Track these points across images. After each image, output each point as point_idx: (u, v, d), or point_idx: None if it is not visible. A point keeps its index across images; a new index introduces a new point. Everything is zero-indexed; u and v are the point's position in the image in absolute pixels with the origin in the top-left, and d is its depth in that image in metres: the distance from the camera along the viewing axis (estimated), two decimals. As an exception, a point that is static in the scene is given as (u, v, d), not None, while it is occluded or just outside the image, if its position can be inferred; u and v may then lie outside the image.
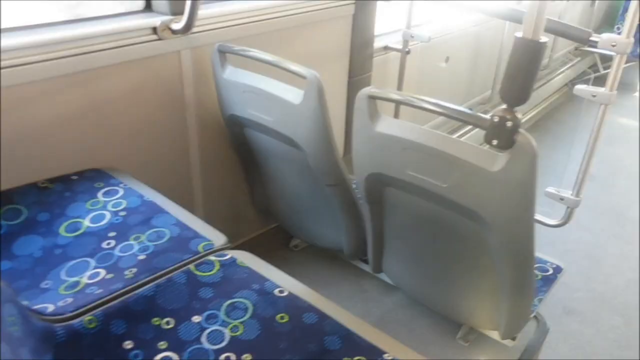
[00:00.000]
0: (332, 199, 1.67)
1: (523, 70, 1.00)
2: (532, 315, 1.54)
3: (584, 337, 2.24)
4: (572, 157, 3.43)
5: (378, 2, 2.26)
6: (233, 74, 1.63)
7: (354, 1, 2.13)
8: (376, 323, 1.75)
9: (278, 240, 2.18)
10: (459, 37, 3.03)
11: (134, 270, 1.14)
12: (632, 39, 1.58)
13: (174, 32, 1.56)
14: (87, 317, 0.97)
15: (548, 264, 1.75)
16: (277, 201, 1.98)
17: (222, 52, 1.61)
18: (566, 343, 2.20)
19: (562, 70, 4.58)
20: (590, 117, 1.80)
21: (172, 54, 1.61)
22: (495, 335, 1.55)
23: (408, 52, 2.43)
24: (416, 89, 2.77)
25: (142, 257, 1.19)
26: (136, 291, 1.08)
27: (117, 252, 1.20)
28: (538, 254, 1.81)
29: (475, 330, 1.69)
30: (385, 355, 0.97)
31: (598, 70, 4.67)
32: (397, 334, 1.71)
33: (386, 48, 2.47)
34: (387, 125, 1.28)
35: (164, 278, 1.12)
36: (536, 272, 1.71)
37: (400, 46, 2.43)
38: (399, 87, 2.53)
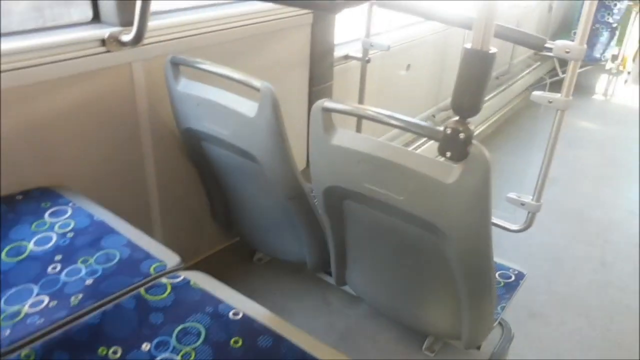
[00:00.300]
0: (293, 212, 1.64)
1: (473, 81, 0.99)
2: (495, 324, 1.53)
3: (549, 340, 2.26)
4: (532, 162, 3.49)
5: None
6: (187, 87, 1.58)
7: (312, 11, 2.11)
8: (341, 336, 1.73)
9: (241, 254, 2.13)
10: (419, 44, 3.05)
11: (80, 296, 1.08)
12: (584, 46, 1.60)
13: (123, 43, 1.51)
14: (24, 351, 0.92)
15: (510, 270, 1.75)
16: (238, 215, 1.94)
17: (175, 64, 1.57)
18: (532, 347, 2.22)
19: (522, 75, 4.66)
20: (548, 122, 1.82)
21: (123, 66, 1.56)
22: (460, 344, 1.54)
23: (368, 61, 2.42)
24: (377, 97, 2.77)
25: (89, 281, 1.13)
26: (81, 319, 1.02)
27: (63, 277, 1.14)
28: (501, 260, 1.81)
29: (440, 340, 1.68)
30: (342, 378, 0.94)
31: (557, 75, 4.78)
32: (362, 347, 1.69)
33: (347, 57, 2.46)
34: (343, 138, 1.25)
35: (111, 304, 1.07)
36: (498, 278, 1.71)
37: (360, 55, 2.43)
38: (360, 96, 2.52)
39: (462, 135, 1.03)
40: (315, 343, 1.02)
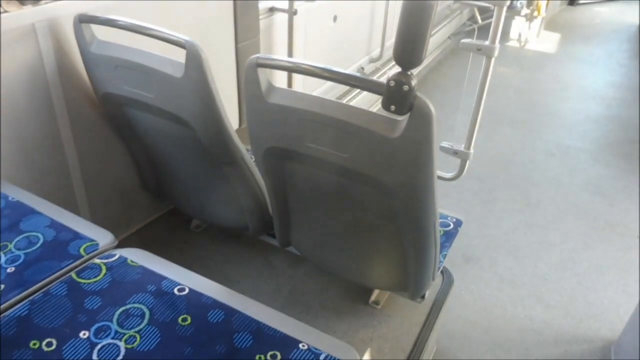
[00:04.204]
0: (231, 176, 1.57)
1: (414, 31, 0.95)
2: (438, 272, 1.56)
3: (484, 281, 2.37)
4: (458, 110, 3.58)
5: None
6: (102, 48, 1.44)
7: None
8: (287, 298, 1.71)
9: (176, 223, 2.04)
10: (345, -5, 2.98)
11: (2, 287, 0.98)
12: (510, -10, 1.61)
13: (22, 2, 1.33)
14: (-57, 356, 0.81)
15: (449, 218, 1.79)
16: (171, 183, 1.84)
17: (85, 23, 1.41)
18: (468, 290, 2.32)
19: (444, 24, 4.72)
20: (475, 70, 1.84)
21: (25, 28, 1.38)
22: (406, 295, 1.57)
23: (295, 13, 2.33)
24: (306, 51, 2.69)
25: (11, 269, 1.02)
26: (6, 312, 0.92)
27: (-21, 267, 1.03)
28: (439, 209, 1.85)
29: (386, 292, 1.71)
30: (300, 345, 0.91)
31: (477, 22, 4.87)
32: (310, 307, 1.68)
33: (272, 9, 2.35)
34: (281, 96, 1.19)
35: (39, 292, 0.97)
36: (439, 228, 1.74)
37: (286, 7, 2.33)
38: (289, 50, 2.44)
39: (405, 88, 1.00)
40: (268, 311, 0.99)
